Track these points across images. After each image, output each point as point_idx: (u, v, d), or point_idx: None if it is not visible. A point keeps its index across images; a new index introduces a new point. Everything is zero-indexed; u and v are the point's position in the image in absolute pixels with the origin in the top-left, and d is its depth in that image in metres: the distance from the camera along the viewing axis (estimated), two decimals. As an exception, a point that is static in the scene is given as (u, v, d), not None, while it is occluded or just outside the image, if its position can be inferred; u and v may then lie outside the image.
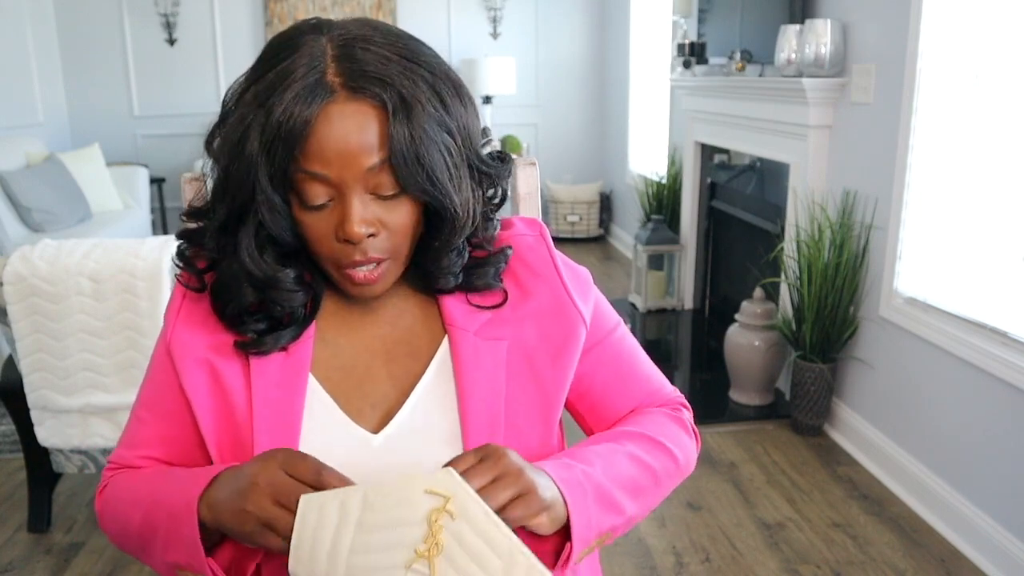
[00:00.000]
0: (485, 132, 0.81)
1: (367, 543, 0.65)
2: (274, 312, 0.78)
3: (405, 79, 0.70)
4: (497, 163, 0.81)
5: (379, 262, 0.74)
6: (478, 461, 0.69)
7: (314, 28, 0.72)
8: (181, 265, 0.81)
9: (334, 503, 0.65)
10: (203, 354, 0.79)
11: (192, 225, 0.80)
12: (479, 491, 0.66)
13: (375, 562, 0.65)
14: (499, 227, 0.86)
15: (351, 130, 0.68)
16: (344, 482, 0.68)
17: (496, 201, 0.84)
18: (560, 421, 0.88)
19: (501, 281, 0.83)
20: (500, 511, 0.67)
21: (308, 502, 0.66)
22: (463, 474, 0.66)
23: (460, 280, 0.81)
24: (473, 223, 0.78)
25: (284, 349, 0.79)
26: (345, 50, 0.70)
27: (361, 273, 0.74)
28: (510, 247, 0.84)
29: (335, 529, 0.65)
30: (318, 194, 0.71)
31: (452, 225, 0.75)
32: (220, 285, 0.78)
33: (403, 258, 0.77)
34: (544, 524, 0.72)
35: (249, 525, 0.68)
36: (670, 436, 0.87)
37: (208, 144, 0.75)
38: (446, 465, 0.68)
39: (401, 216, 0.73)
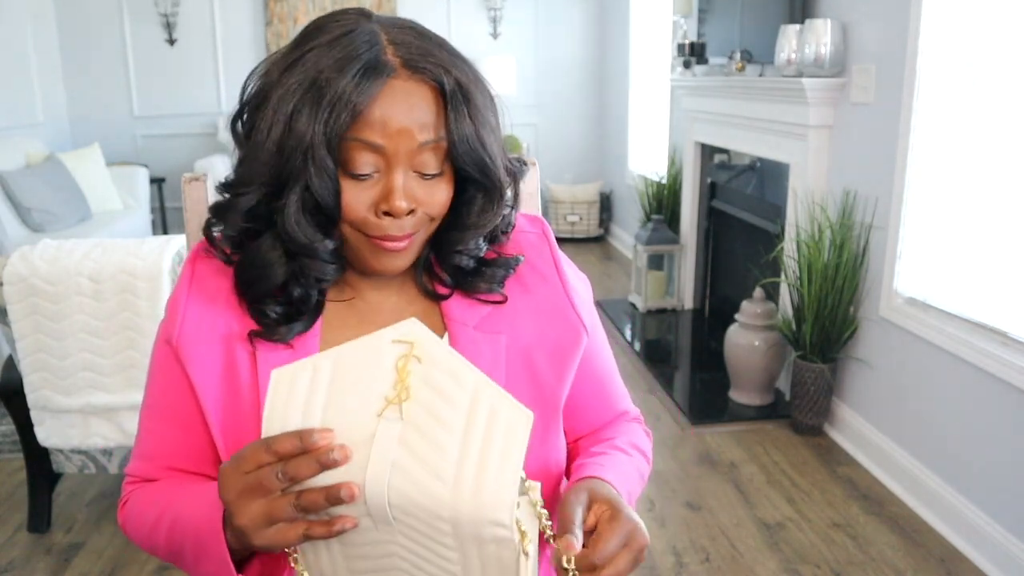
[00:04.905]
0: None
1: (340, 400, 0.65)
2: (294, 294, 0.78)
3: (455, 68, 0.73)
4: (518, 163, 0.84)
5: (408, 237, 0.76)
6: (609, 517, 0.70)
7: (361, 13, 0.75)
8: (207, 237, 0.80)
9: (306, 370, 0.66)
10: (214, 338, 0.79)
11: (221, 199, 0.79)
12: (611, 556, 0.67)
13: (348, 416, 0.65)
14: (513, 226, 0.86)
15: (413, 105, 0.71)
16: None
17: (510, 203, 0.85)
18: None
19: (503, 286, 0.84)
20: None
21: (279, 374, 0.66)
22: (588, 532, 0.69)
23: (471, 267, 0.82)
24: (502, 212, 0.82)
25: (291, 346, 0.79)
26: (398, 36, 0.73)
27: (391, 242, 0.76)
28: (521, 256, 0.85)
29: (307, 392, 0.65)
30: (366, 163, 0.72)
31: (499, 204, 0.79)
32: (249, 263, 0.78)
33: (426, 239, 0.79)
34: None
35: (269, 533, 0.67)
36: (649, 457, 0.95)
37: (234, 124, 0.76)
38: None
39: (439, 196, 0.76)
